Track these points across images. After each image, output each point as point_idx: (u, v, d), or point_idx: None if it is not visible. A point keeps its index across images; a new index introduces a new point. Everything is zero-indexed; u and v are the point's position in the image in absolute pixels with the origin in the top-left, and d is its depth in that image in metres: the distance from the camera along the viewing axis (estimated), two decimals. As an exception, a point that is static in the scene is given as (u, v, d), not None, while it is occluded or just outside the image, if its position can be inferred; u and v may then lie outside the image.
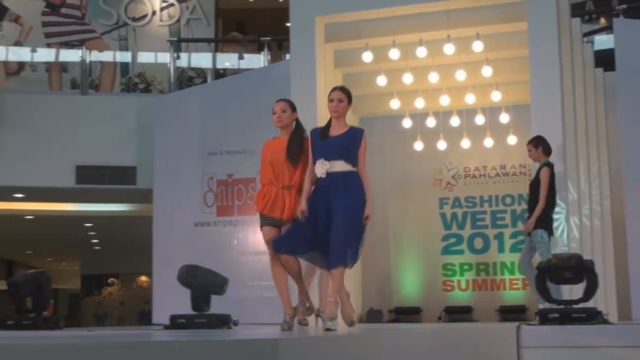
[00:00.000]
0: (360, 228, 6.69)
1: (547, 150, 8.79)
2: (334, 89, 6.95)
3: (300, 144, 6.99)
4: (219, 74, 15.17)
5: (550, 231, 8.64)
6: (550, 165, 8.70)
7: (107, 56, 17.06)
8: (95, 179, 13.76)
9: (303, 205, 6.75)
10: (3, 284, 25.85)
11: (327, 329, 6.24)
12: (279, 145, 7.06)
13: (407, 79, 10.33)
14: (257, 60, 14.97)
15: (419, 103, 10.86)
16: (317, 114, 9.39)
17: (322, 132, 6.85)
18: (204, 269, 8.38)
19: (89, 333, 6.71)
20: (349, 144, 6.76)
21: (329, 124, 6.86)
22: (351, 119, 11.19)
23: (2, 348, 3.89)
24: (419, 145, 11.23)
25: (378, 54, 10.01)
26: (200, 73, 15.22)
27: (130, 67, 16.42)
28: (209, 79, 14.91)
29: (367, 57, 9.96)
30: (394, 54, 9.91)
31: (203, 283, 8.12)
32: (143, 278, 24.84)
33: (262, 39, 14.87)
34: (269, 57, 14.26)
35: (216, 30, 18.20)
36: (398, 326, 8.54)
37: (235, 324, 8.01)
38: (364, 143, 6.80)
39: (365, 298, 11.12)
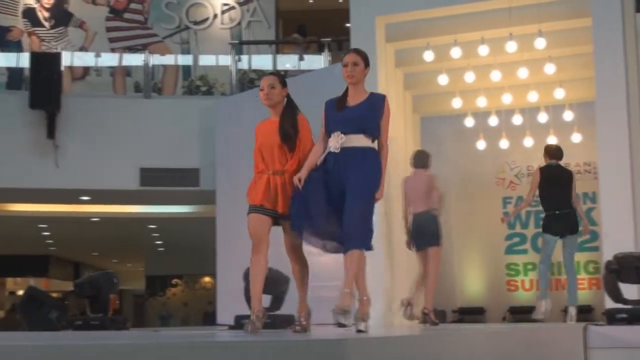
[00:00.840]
0: (372, 210, 5.98)
1: (549, 155, 9.35)
2: (347, 51, 6.28)
3: (293, 124, 6.14)
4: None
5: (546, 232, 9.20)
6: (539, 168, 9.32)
7: (169, 60, 17.25)
8: (159, 181, 13.91)
9: (303, 173, 5.94)
10: (70, 285, 26.31)
11: (359, 331, 5.70)
12: (269, 126, 6.21)
13: (469, 77, 10.24)
14: (317, 61, 14.97)
15: (481, 102, 10.75)
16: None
17: (338, 102, 6.12)
18: (273, 270, 8.42)
19: (155, 333, 6.79)
20: (368, 114, 6.03)
21: (345, 92, 6.15)
22: (412, 119, 11.17)
23: (72, 348, 3.94)
24: (481, 144, 11.12)
25: (439, 53, 9.93)
26: (262, 75, 15.28)
27: (192, 70, 16.57)
28: (270, 80, 14.92)
29: (428, 56, 9.89)
30: (456, 52, 9.83)
31: (267, 283, 8.17)
32: (206, 279, 25.02)
33: (322, 40, 14.88)
34: (329, 57, 14.25)
35: (277, 32, 18.26)
36: (463, 326, 8.45)
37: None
38: (386, 110, 6.09)
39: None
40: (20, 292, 25.94)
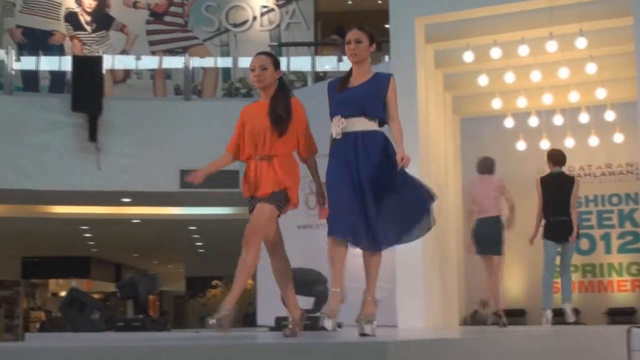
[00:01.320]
0: (405, 184, 5.55)
1: (552, 161, 9.51)
2: (351, 29, 5.77)
3: (286, 106, 5.65)
4: (319, 76, 15.23)
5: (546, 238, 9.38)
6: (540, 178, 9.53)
7: (209, 62, 17.37)
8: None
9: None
10: (112, 287, 26.55)
11: (362, 334, 5.34)
12: (259, 109, 5.72)
13: (509, 78, 10.16)
14: (356, 62, 14.95)
15: (521, 102, 10.66)
16: (418, 116, 9.28)
17: (340, 83, 5.68)
18: (303, 269, 8.42)
19: (196, 335, 6.82)
20: (369, 95, 5.55)
21: (349, 72, 5.73)
22: (452, 120, 11.11)
23: (115, 349, 3.98)
24: (521, 145, 11.04)
25: (479, 53, 9.87)
26: (301, 76, 15.33)
27: (231, 72, 16.65)
28: (309, 82, 14.98)
29: (468, 56, 9.84)
30: (496, 53, 9.76)
31: (301, 284, 8.16)
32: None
33: (361, 41, 14.81)
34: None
35: (315, 33, 18.29)
36: (505, 329, 8.39)
37: (340, 326, 8.00)
38: (391, 89, 5.61)
39: (469, 300, 10.97)
40: (63, 294, 26.19)
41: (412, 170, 9.21)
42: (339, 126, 5.56)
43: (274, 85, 5.75)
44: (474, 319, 10.45)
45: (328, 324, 5.34)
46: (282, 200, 5.64)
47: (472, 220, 9.37)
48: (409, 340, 4.59)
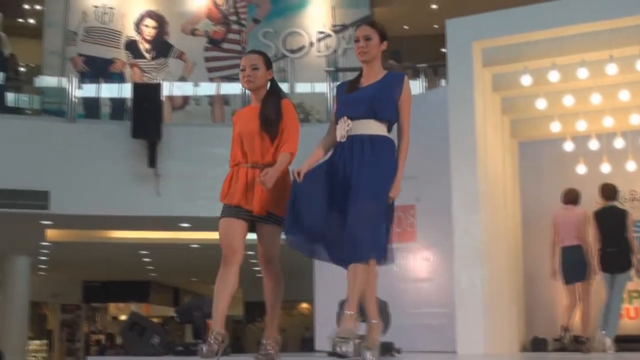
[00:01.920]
0: (387, 212, 4.99)
1: (604, 196, 9.99)
2: (359, 25, 5.30)
3: (276, 108, 5.25)
4: (376, 101, 15.23)
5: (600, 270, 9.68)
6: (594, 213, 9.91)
7: (266, 88, 17.45)
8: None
9: (303, 166, 5.07)
10: (169, 311, 26.73)
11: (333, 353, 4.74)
12: (249, 112, 5.37)
13: (568, 101, 10.03)
14: (413, 87, 14.89)
15: (581, 125, 10.51)
16: (476, 140, 9.21)
17: (350, 84, 5.20)
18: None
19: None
20: (380, 94, 5.03)
21: (360, 74, 5.26)
22: (510, 143, 10.99)
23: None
24: (581, 169, 10.87)
25: (537, 76, 9.77)
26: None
27: (289, 97, 16.71)
28: (366, 107, 14.96)
29: (526, 80, 9.74)
30: (554, 76, 9.65)
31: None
32: (304, 305, 25.07)
33: (417, 65, 14.82)
34: (425, 83, 14.19)
35: (372, 58, 18.26)
36: (566, 356, 8.24)
37: (399, 351, 7.96)
38: (405, 90, 5.08)
39: (528, 325, 10.80)
40: (122, 317, 26.51)
41: (470, 192, 9.18)
42: (344, 128, 5.04)
43: (266, 87, 5.39)
44: (534, 345, 10.30)
45: (347, 347, 4.64)
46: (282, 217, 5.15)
47: (556, 251, 9.96)
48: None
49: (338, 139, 5.09)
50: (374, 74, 5.16)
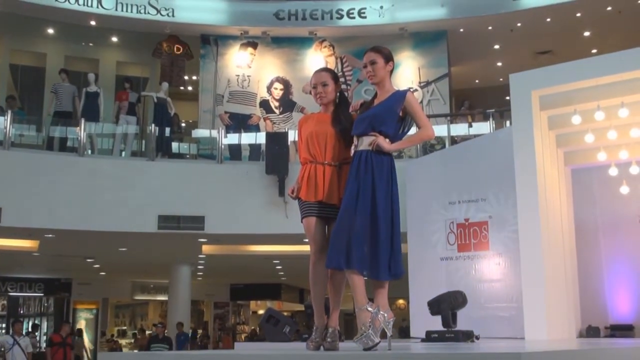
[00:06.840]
0: (394, 227, 4.59)
1: None
2: (365, 52, 4.66)
3: (348, 117, 4.62)
4: (454, 140, 15.06)
5: None
6: None
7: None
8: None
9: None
10: (297, 306, 26.81)
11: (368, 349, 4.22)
12: (321, 117, 4.71)
13: (612, 135, 9.68)
14: (484, 128, 14.71)
15: (623, 154, 10.13)
16: (536, 171, 9.01)
17: (366, 105, 4.65)
18: (448, 293, 8.25)
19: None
20: (382, 111, 4.45)
21: (375, 95, 4.70)
22: (564, 171, 10.67)
23: (300, 357, 3.97)
24: (624, 189, 10.47)
25: (585, 116, 9.48)
26: (440, 141, 15.18)
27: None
28: (447, 145, 14.83)
29: (576, 120, 9.47)
30: (599, 115, 9.35)
31: (448, 305, 7.98)
32: (400, 301, 24.82)
33: (487, 111, 14.64)
34: (493, 124, 13.98)
35: (450, 106, 18.14)
36: (617, 341, 7.90)
37: (477, 338, 7.80)
38: (409, 101, 4.46)
39: (583, 316, 10.40)
40: (260, 312, 26.77)
41: (532, 209, 8.94)
42: (354, 144, 4.57)
43: (335, 101, 4.74)
44: (588, 332, 9.91)
45: (373, 339, 4.26)
46: None
47: None
48: (542, 351, 4.32)
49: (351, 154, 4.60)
50: (384, 94, 4.59)
